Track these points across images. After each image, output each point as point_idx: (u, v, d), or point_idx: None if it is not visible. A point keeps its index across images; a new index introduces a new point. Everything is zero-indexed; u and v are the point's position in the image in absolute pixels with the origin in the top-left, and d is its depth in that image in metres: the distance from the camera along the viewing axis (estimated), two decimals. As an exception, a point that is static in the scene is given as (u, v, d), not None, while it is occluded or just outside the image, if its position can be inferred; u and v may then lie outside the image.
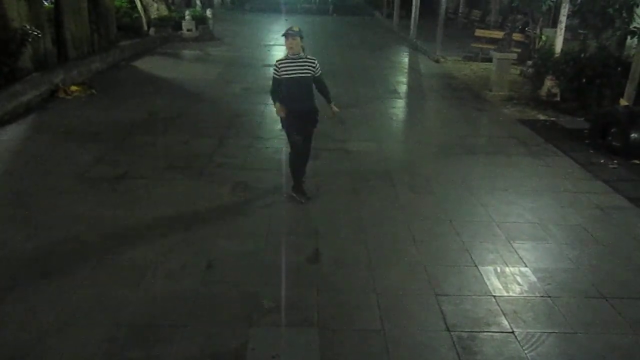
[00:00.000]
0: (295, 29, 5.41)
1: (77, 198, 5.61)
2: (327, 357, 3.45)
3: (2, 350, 3.40)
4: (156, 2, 18.64)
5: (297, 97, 5.49)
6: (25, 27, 9.67)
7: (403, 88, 12.11)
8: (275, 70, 5.46)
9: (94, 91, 10.10)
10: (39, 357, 3.36)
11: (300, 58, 5.45)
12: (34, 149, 7.10)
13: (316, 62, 5.52)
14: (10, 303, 3.86)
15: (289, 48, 5.38)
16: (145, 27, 17.07)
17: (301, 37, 5.40)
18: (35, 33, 9.86)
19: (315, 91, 5.63)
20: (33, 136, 7.65)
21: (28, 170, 6.29)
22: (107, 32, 13.58)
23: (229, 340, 3.56)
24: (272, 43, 17.72)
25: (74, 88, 9.94)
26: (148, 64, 13.54)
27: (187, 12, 18.57)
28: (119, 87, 10.93)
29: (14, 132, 7.71)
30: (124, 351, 3.44)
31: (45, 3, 12.84)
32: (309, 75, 5.48)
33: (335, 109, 5.77)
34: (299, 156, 5.74)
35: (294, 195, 5.75)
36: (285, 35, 5.36)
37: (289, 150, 5.82)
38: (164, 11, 18.97)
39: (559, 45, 10.80)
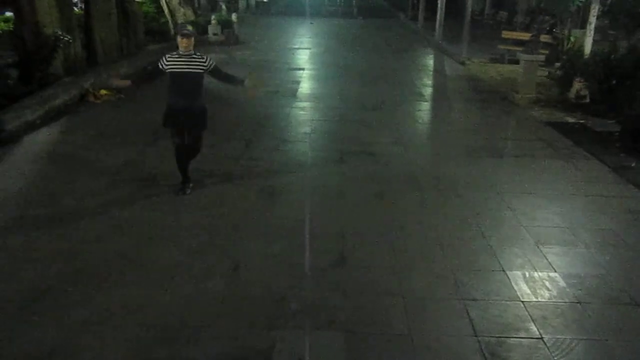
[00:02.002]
0: (190, 28, 5.66)
1: (106, 200, 5.71)
2: (353, 361, 3.45)
3: (33, 348, 3.48)
4: (183, 7, 18.90)
5: (181, 94, 5.59)
6: (57, 32, 9.91)
7: (428, 90, 12.05)
8: (162, 61, 5.59)
9: (122, 95, 10.25)
10: (69, 356, 3.43)
11: (190, 54, 5.58)
12: (65, 151, 7.26)
13: (206, 57, 5.64)
14: (42, 303, 3.95)
15: (184, 46, 5.53)
16: (172, 32, 17.31)
17: (195, 37, 5.65)
18: (66, 39, 10.09)
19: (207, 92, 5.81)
20: (64, 139, 7.82)
21: (59, 172, 6.44)
22: (135, 37, 13.82)
23: (255, 342, 3.59)
24: (297, 46, 17.78)
25: (103, 92, 10.11)
26: (175, 68, 13.69)
27: (212, 17, 18.77)
28: (146, 90, 11.05)
29: (46, 135, 7.89)
30: (151, 351, 3.49)
31: (75, 9, 13.13)
32: (198, 71, 5.57)
33: (250, 84, 5.76)
34: (179, 155, 5.83)
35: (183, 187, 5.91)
36: (182, 35, 5.55)
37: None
38: (191, 16, 19.23)
39: (588, 47, 10.62)
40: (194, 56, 5.60)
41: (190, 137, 5.78)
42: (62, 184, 6.10)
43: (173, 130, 5.73)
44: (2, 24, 12.59)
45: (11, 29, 11.12)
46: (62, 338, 3.58)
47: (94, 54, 11.76)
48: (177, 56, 5.56)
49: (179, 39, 5.55)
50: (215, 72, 5.73)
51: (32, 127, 8.02)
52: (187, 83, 5.58)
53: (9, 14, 13.83)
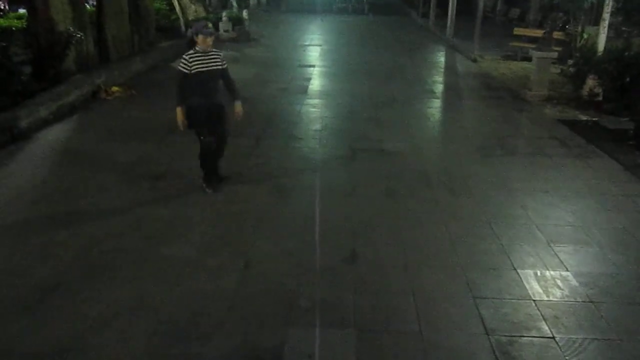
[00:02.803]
0: (210, 26, 5.63)
1: (119, 196, 5.75)
2: (363, 359, 3.45)
3: (47, 345, 3.51)
4: (194, 4, 18.93)
5: (207, 92, 5.57)
6: (70, 29, 9.96)
7: (440, 88, 11.99)
8: (185, 64, 5.46)
9: (134, 92, 10.31)
10: (82, 353, 3.46)
11: (210, 52, 5.55)
12: (78, 147, 7.31)
13: (222, 55, 5.64)
14: (55, 299, 3.99)
15: (207, 45, 5.49)
16: (184, 29, 17.35)
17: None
18: (79, 35, 10.14)
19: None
20: (77, 135, 7.88)
21: (72, 169, 6.48)
22: (147, 34, 13.85)
23: (267, 339, 3.60)
24: (307, 43, 17.77)
25: (115, 89, 10.17)
26: (186, 65, 13.73)
27: (223, 14, 18.79)
28: (158, 87, 11.13)
29: (59, 132, 7.95)
30: (164, 348, 3.51)
31: (88, 6, 13.20)
32: (219, 68, 5.59)
33: (239, 108, 5.81)
34: (209, 155, 5.78)
35: (204, 185, 5.87)
36: (206, 34, 5.46)
37: (199, 147, 5.81)
38: (202, 13, 19.25)
39: (601, 44, 10.51)
40: (212, 53, 5.59)
41: (219, 133, 5.79)
42: (75, 180, 6.15)
43: (204, 129, 5.67)
44: (16, 21, 12.67)
45: (24, 26, 11.20)
46: (74, 334, 3.61)
47: (105, 51, 11.81)
48: (197, 55, 5.50)
49: (201, 37, 5.44)
50: (225, 74, 5.72)
51: (45, 123, 8.08)
52: (210, 80, 5.58)
53: (22, 11, 13.94)
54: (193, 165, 6.59)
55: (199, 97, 5.54)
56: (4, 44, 8.84)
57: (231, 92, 5.82)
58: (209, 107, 5.60)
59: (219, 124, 5.78)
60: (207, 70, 5.52)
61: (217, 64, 5.59)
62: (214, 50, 5.62)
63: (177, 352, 3.47)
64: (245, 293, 4.11)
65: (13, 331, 3.63)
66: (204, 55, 5.52)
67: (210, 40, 5.50)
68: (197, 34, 5.51)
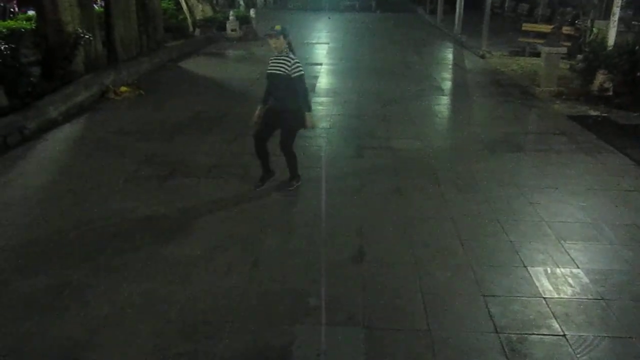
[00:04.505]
0: (277, 27, 5.53)
1: (128, 195, 5.77)
2: (372, 357, 3.43)
3: (57, 344, 3.53)
4: (201, 4, 18.97)
5: (272, 94, 5.69)
6: (78, 30, 10.02)
7: (448, 84, 11.93)
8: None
9: (142, 92, 10.35)
10: (92, 351, 3.47)
11: (279, 55, 5.55)
12: (87, 148, 7.35)
13: (292, 61, 5.46)
14: (65, 298, 4.01)
15: (273, 47, 5.53)
16: (191, 28, 17.41)
17: (284, 35, 5.48)
18: (87, 36, 10.20)
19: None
20: (86, 135, 7.93)
21: (81, 168, 6.52)
22: (155, 34, 13.90)
23: (275, 338, 3.59)
24: (314, 41, 17.75)
25: (123, 89, 10.22)
26: (194, 64, 13.80)
27: (231, 13, 18.82)
28: (166, 87, 11.18)
29: (68, 132, 8.00)
30: (173, 346, 3.51)
31: (96, 7, 13.27)
32: (280, 73, 5.50)
33: (309, 120, 5.67)
34: (256, 145, 5.88)
35: (294, 183, 5.99)
36: (268, 35, 5.51)
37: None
38: (209, 12, 19.29)
39: (611, 38, 10.40)
40: (281, 57, 5.53)
41: (282, 134, 5.81)
42: (84, 180, 6.17)
43: (260, 125, 5.82)
44: (25, 22, 12.76)
45: (33, 27, 11.27)
46: (82, 334, 3.62)
47: (113, 51, 11.87)
48: (273, 57, 5.62)
49: (267, 40, 5.60)
50: (295, 82, 5.52)
51: (54, 124, 8.14)
52: (272, 83, 5.63)
53: (31, 12, 14.04)
54: (202, 164, 6.63)
55: (271, 96, 5.73)
56: (14, 46, 8.90)
57: (301, 102, 5.61)
58: (270, 108, 5.73)
59: (280, 125, 5.77)
60: (270, 73, 5.59)
61: (280, 69, 5.49)
62: (287, 56, 5.50)
63: (185, 350, 3.48)
64: (254, 291, 4.10)
65: (22, 331, 3.65)
66: (275, 58, 5.59)
67: (271, 41, 5.48)
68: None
